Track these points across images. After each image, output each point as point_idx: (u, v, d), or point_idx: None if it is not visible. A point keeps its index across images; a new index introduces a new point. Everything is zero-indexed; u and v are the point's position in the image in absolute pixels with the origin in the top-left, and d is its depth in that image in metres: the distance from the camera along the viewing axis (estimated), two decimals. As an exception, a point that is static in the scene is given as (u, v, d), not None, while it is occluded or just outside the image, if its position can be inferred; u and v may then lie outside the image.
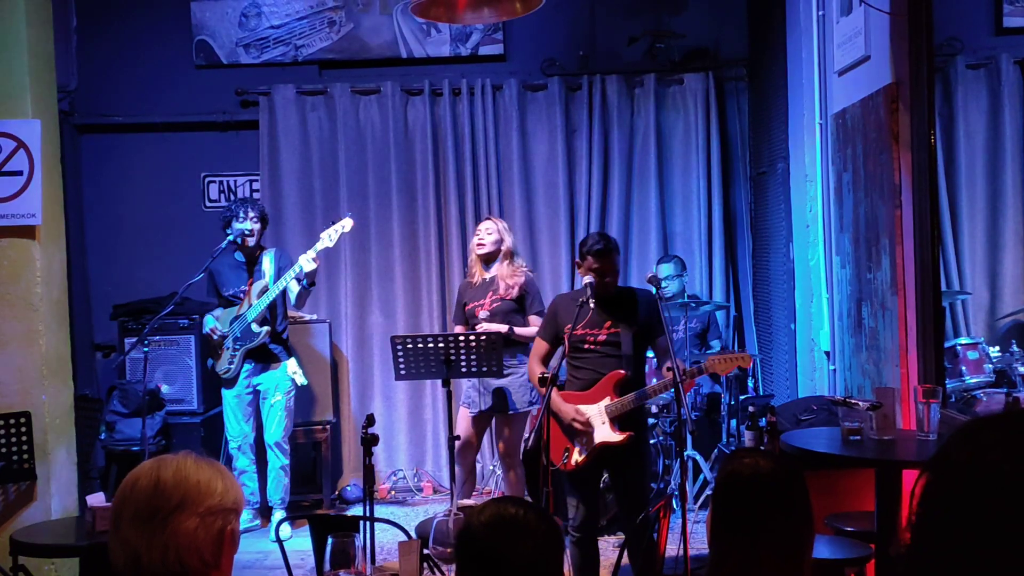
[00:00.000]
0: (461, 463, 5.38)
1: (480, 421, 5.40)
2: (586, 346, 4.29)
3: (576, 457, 4.25)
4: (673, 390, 4.02)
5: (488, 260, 5.42)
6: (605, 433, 4.21)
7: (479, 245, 5.41)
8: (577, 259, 4.37)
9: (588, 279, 4.22)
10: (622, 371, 4.24)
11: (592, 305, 4.21)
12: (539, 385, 4.26)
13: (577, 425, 4.22)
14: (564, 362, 4.45)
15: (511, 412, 5.29)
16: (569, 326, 4.21)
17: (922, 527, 0.99)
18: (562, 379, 4.40)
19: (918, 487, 1.00)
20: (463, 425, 5.38)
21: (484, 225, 5.49)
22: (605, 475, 4.64)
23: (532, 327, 5.23)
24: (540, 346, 4.49)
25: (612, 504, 5.00)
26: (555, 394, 4.28)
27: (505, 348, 4.92)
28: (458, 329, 5.50)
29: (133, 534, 1.74)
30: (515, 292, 5.31)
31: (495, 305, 5.30)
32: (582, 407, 4.26)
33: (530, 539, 1.93)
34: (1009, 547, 0.91)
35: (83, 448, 5.46)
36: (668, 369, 4.07)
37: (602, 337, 4.26)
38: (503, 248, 5.40)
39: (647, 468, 4.44)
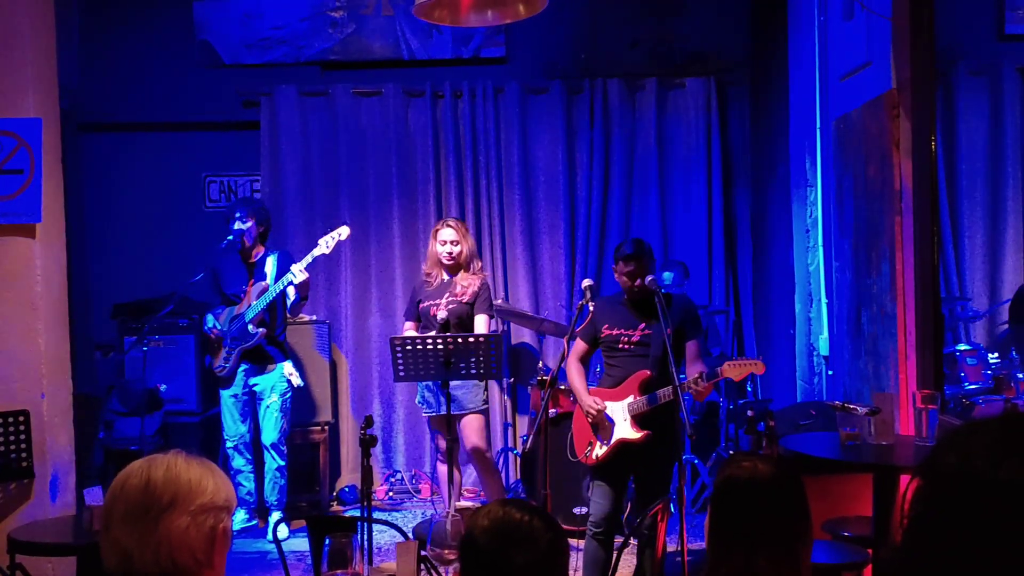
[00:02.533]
0: (445, 463, 5.42)
1: (439, 423, 5.40)
2: (620, 346, 4.43)
3: (597, 451, 4.37)
4: (690, 394, 4.27)
5: (454, 270, 5.44)
6: (625, 430, 4.33)
7: (449, 257, 5.42)
8: (613, 265, 4.52)
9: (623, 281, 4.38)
10: (647, 371, 4.33)
11: (626, 304, 4.42)
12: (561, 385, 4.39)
13: (591, 410, 4.36)
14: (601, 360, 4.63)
15: (464, 412, 5.33)
16: (607, 326, 4.42)
17: (913, 530, 0.99)
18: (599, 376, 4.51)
19: (909, 490, 1.01)
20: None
21: (448, 234, 5.44)
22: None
23: (478, 327, 5.29)
24: (579, 346, 4.59)
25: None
26: (583, 386, 4.48)
27: None
28: (408, 325, 5.57)
29: (124, 533, 1.74)
30: (469, 295, 5.35)
31: (451, 307, 5.32)
32: (608, 403, 4.38)
33: (534, 545, 1.90)
34: (997, 550, 0.91)
35: (82, 447, 5.46)
36: (699, 375, 4.22)
37: (636, 338, 4.39)
38: (463, 257, 5.42)
39: (666, 470, 4.45)
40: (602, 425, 4.36)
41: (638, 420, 4.31)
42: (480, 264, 5.61)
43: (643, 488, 4.43)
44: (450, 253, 5.42)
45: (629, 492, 4.78)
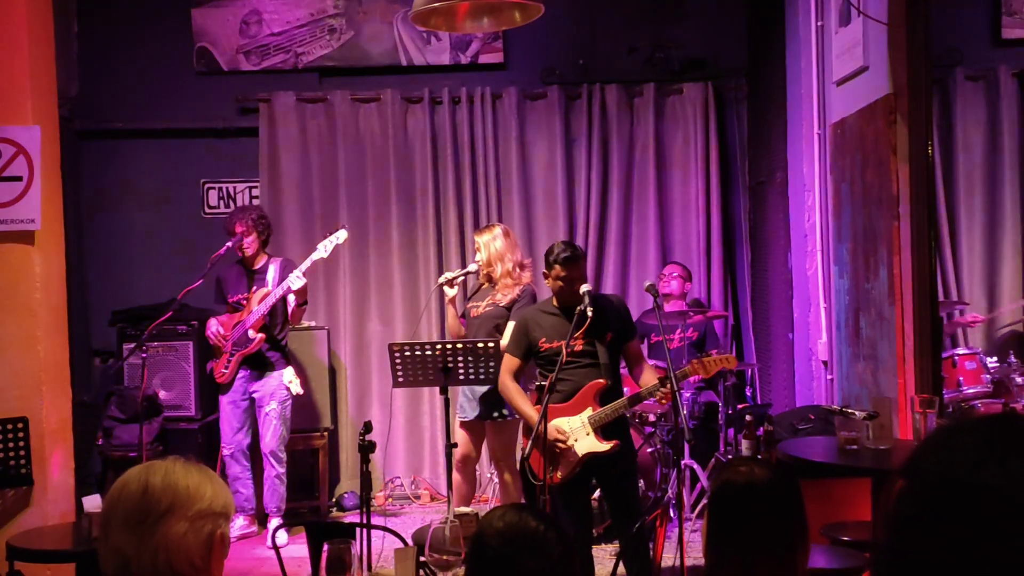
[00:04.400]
0: (460, 471, 5.39)
1: (472, 429, 5.39)
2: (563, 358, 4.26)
3: (560, 472, 4.19)
4: (654, 399, 4.11)
5: (489, 276, 5.42)
6: (591, 443, 4.17)
7: (479, 264, 5.42)
8: (544, 270, 4.35)
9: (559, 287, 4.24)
10: (602, 380, 4.20)
11: (558, 313, 4.25)
12: (536, 393, 4.27)
13: (559, 446, 4.16)
14: (537, 373, 4.43)
15: (498, 419, 5.29)
16: (543, 339, 4.24)
17: (894, 529, 0.99)
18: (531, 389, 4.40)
19: (893, 490, 1.00)
20: (459, 435, 5.38)
21: (477, 242, 5.46)
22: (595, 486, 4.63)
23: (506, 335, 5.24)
24: (511, 362, 4.41)
25: (607, 514, 5.00)
26: (534, 411, 4.18)
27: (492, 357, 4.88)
28: (455, 322, 5.50)
29: (122, 539, 1.74)
30: (507, 301, 5.32)
31: (488, 309, 5.31)
32: (565, 419, 4.20)
33: (545, 556, 1.88)
34: (975, 554, 0.91)
35: (80, 454, 5.46)
36: (654, 375, 4.11)
37: (578, 348, 4.20)
38: (486, 262, 5.38)
39: (633, 474, 4.43)
40: (564, 452, 4.18)
41: (602, 431, 4.18)
42: (515, 269, 5.38)
43: (620, 497, 4.32)
44: (478, 262, 5.43)
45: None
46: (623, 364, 4.52)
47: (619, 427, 4.25)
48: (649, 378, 4.23)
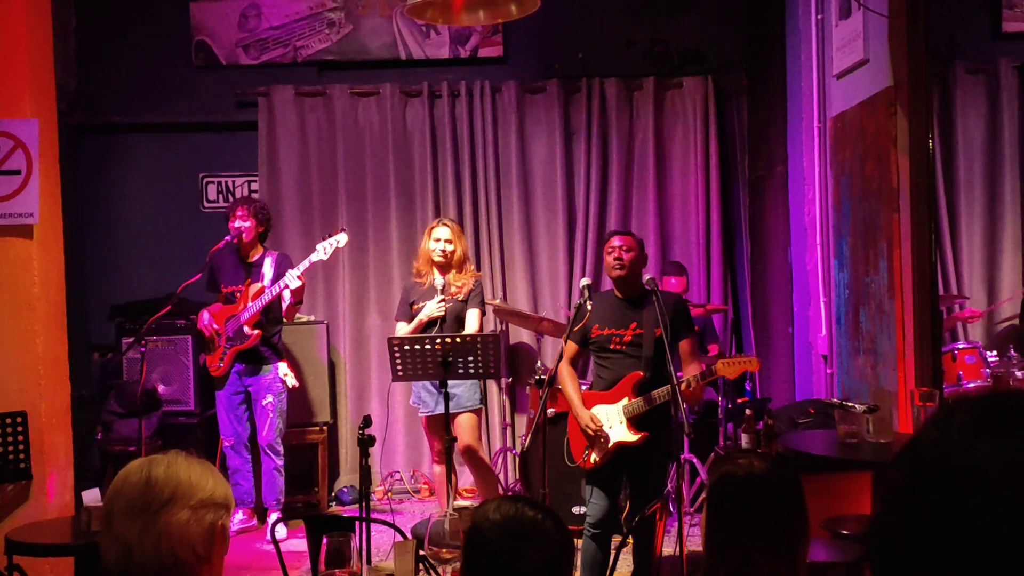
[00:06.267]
0: (440, 465, 5.42)
1: (435, 422, 5.37)
2: (612, 346, 4.38)
3: (595, 456, 4.34)
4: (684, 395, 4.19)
5: (444, 269, 5.41)
6: (622, 433, 4.29)
7: (442, 255, 5.37)
8: (605, 255, 4.52)
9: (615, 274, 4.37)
10: (640, 372, 4.30)
11: (618, 301, 4.39)
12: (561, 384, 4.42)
13: (589, 431, 4.31)
14: (592, 361, 4.60)
15: (459, 411, 5.29)
16: (596, 326, 4.36)
17: (888, 504, 0.98)
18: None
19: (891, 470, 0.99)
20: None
21: (443, 232, 5.39)
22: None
23: (470, 321, 5.28)
24: (570, 348, 4.52)
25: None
26: (576, 395, 4.40)
27: None
28: (400, 326, 5.43)
29: (125, 527, 1.75)
30: (464, 294, 5.33)
31: (448, 306, 5.30)
32: (601, 407, 4.34)
33: (546, 544, 1.88)
34: (966, 536, 0.89)
35: (79, 448, 5.46)
36: (692, 377, 4.22)
37: (627, 338, 4.35)
38: (456, 257, 5.39)
39: (660, 470, 4.45)
40: (597, 438, 4.34)
41: (634, 422, 4.29)
42: (472, 265, 5.58)
43: (638, 488, 4.41)
44: (443, 251, 5.37)
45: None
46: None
47: (654, 420, 4.30)
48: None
